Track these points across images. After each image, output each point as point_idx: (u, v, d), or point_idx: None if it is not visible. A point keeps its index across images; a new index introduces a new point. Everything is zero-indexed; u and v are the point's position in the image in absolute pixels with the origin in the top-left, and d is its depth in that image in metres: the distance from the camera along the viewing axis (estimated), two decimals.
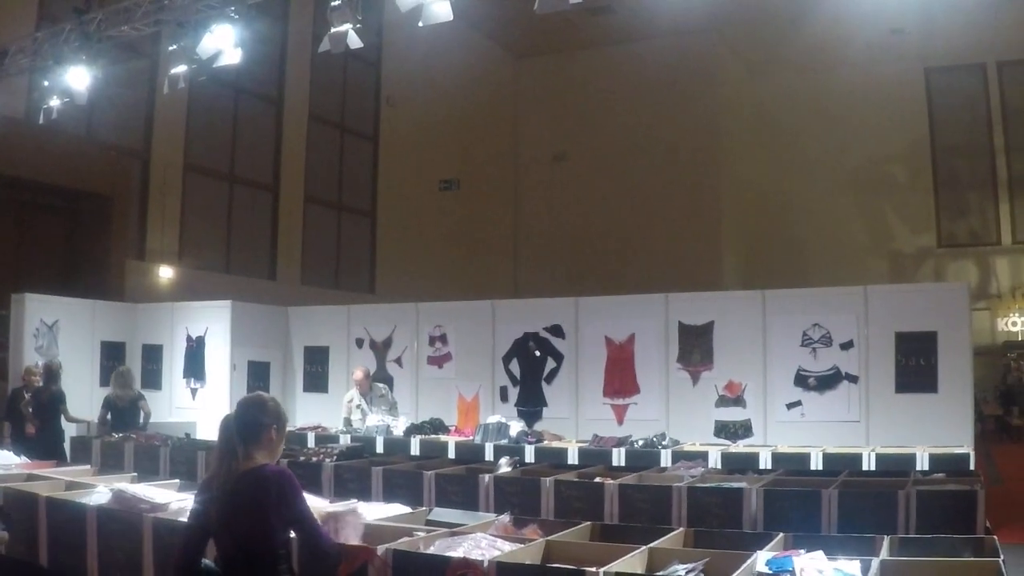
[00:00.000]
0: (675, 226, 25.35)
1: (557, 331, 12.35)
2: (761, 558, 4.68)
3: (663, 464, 9.30)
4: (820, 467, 9.28)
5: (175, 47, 11.76)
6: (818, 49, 24.49)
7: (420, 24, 9.99)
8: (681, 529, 5.85)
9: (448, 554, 5.17)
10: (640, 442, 10.27)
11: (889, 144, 26.32)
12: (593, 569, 4.73)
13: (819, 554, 4.63)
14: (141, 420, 12.31)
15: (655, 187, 25.83)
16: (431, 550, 5.34)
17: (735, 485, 7.15)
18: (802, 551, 4.74)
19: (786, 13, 22.71)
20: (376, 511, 6.51)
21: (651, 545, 5.27)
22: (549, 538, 5.61)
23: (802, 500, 6.73)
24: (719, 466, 9.23)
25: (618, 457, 9.97)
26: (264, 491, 4.21)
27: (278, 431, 4.47)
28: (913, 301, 11.12)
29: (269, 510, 4.20)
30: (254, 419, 4.40)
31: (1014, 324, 26.14)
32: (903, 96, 26.44)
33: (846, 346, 10.85)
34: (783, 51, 25.46)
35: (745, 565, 4.66)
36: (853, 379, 10.83)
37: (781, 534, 5.44)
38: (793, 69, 26.36)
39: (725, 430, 11.10)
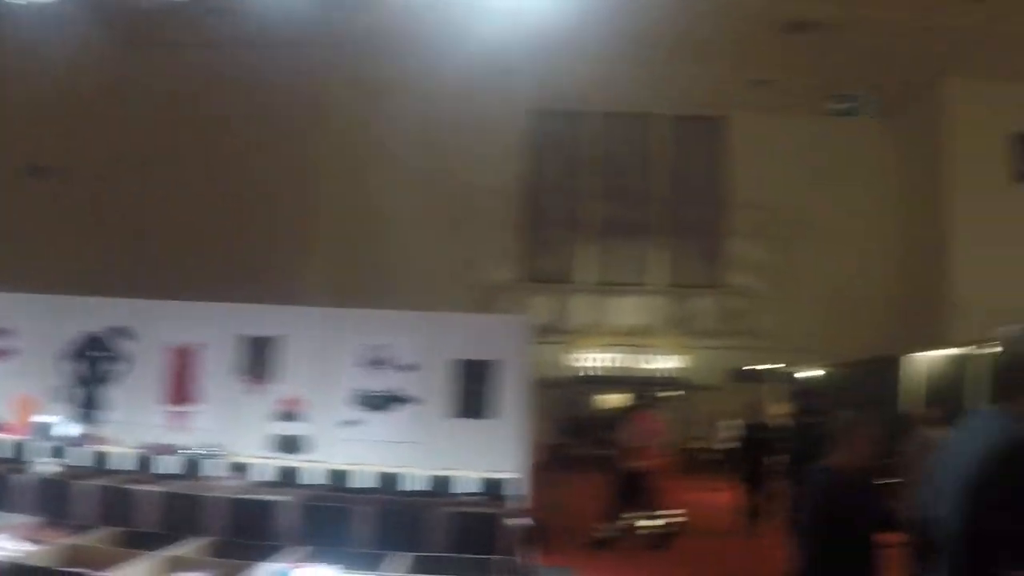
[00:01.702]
0: (256, 236, 24.89)
1: (119, 333, 11.98)
2: (264, 569, 4.81)
3: (211, 474, 9.30)
4: (370, 485, 9.58)
5: None
6: (426, 75, 24.90)
7: None
8: (204, 538, 5.91)
9: None
10: (192, 451, 10.20)
11: (485, 177, 27.19)
12: (96, 572, 4.71)
13: (323, 568, 4.81)
14: None
15: (240, 190, 25.27)
16: None
17: (271, 498, 7.27)
18: (312, 564, 4.91)
19: (399, 39, 23.06)
20: None
21: (167, 553, 5.30)
22: (70, 542, 5.52)
23: (335, 515, 6.94)
24: (271, 479, 9.32)
25: (167, 465, 9.88)
26: None
27: None
28: (478, 329, 11.58)
29: None
30: None
31: (588, 360, 27.91)
32: (505, 132, 27.53)
33: (409, 368, 11.16)
34: (391, 74, 25.74)
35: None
36: (414, 401, 11.16)
37: (303, 547, 5.60)
38: (399, 93, 26.61)
39: (283, 444, 11.18)
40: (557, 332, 27.10)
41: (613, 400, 26.22)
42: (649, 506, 13.83)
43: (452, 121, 26.54)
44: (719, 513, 15.85)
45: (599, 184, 28.71)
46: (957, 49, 22.50)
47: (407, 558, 5.46)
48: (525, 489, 10.38)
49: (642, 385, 26.74)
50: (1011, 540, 2.90)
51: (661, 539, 13.72)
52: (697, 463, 24.31)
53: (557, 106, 27.83)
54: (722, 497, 16.51)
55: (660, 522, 13.83)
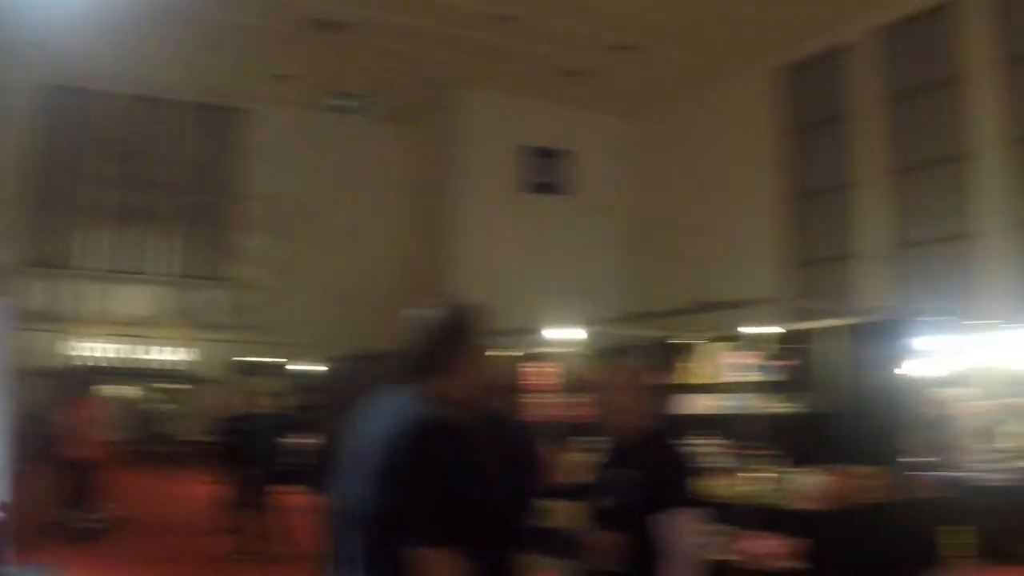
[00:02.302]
0: None
1: None
2: None
3: None
4: None
5: None
6: None
7: None
8: None
9: None
10: None
11: None
12: None
13: None
14: None
15: None
16: None
17: None
18: None
19: None
20: None
21: None
22: None
23: None
24: None
25: None
26: None
27: None
28: None
29: None
30: None
31: (91, 350, 27.18)
32: (21, 107, 26.21)
33: None
34: None
35: None
36: None
37: None
38: None
39: None
40: (57, 319, 26.26)
41: (120, 392, 25.83)
42: (93, 495, 13.86)
43: None
44: (202, 506, 16.18)
45: (110, 167, 27.94)
46: (475, 62, 24.13)
47: None
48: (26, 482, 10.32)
49: (147, 377, 26.68)
50: (413, 518, 3.06)
51: (103, 529, 13.82)
52: (194, 455, 24.51)
53: (70, 83, 26.85)
54: (208, 489, 16.88)
55: (100, 513, 13.90)
